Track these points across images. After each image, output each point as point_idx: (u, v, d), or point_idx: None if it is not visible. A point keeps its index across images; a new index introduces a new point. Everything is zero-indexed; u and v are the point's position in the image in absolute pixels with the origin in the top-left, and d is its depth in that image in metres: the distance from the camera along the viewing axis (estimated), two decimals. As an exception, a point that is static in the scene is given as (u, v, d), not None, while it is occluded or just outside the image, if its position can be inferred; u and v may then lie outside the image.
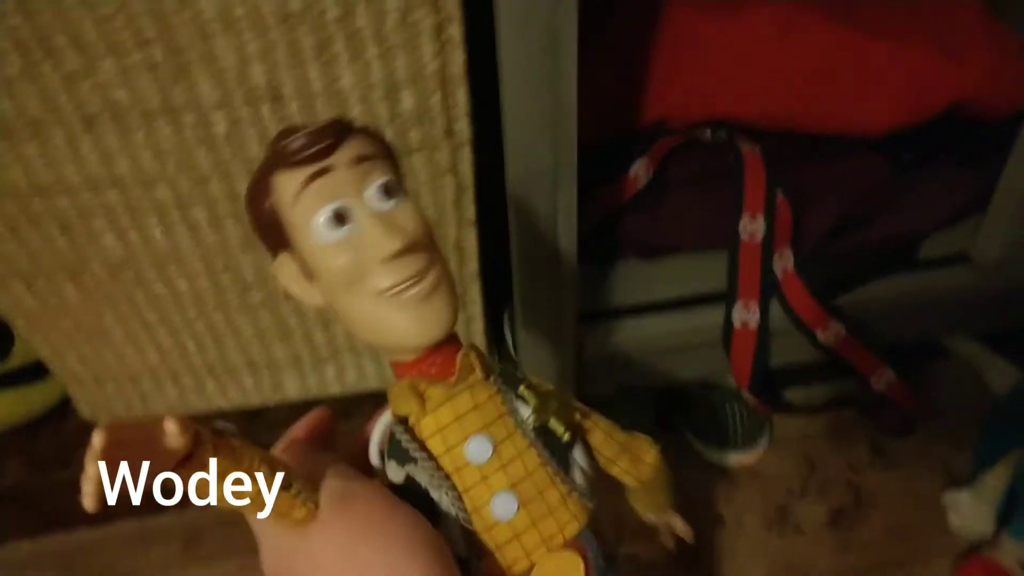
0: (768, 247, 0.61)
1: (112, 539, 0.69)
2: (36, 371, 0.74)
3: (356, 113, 0.54)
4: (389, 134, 0.53)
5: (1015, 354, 0.74)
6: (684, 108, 0.62)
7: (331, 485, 0.29)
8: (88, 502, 0.21)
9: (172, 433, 0.22)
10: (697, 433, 0.70)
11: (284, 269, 0.31)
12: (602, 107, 0.62)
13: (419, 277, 0.30)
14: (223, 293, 0.63)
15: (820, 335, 0.62)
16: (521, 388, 0.32)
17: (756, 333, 0.60)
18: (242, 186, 0.57)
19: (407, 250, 0.29)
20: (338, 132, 0.29)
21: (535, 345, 0.58)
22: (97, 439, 0.21)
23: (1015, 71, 0.61)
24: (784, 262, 0.61)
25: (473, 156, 0.56)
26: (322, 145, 0.28)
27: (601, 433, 0.34)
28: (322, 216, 0.29)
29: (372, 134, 0.31)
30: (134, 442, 0.22)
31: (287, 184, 0.29)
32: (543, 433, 0.31)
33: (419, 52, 0.52)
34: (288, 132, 0.29)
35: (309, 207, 0.29)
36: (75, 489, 0.21)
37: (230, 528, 0.67)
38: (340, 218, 0.29)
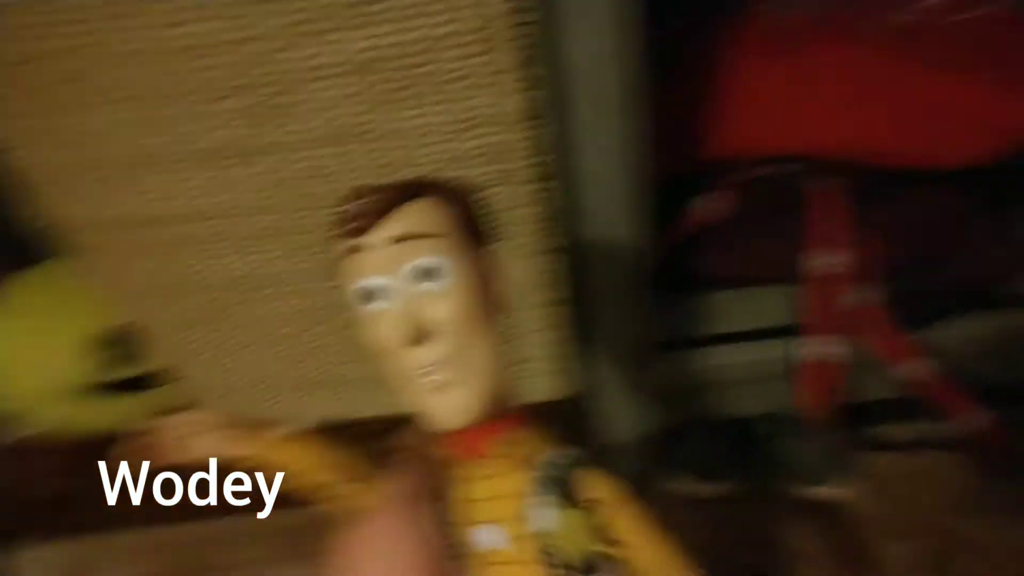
0: (843, 281, 0.60)
1: (214, 535, 0.74)
2: (147, 381, 0.80)
3: (437, 150, 0.57)
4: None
5: None
6: (758, 144, 0.62)
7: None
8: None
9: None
10: (771, 467, 0.69)
11: None
12: (678, 141, 0.64)
13: (433, 369, 0.30)
14: (320, 312, 0.68)
15: (903, 371, 0.60)
16: (556, 496, 0.30)
17: (833, 367, 0.60)
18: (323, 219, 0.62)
19: (421, 340, 0.29)
20: (382, 209, 0.29)
21: (607, 378, 0.59)
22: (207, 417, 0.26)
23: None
24: (862, 296, 0.60)
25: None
26: (359, 224, 0.29)
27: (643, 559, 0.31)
28: (353, 288, 0.30)
29: (442, 206, 0.30)
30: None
31: (337, 248, 0.30)
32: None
33: (499, 90, 0.55)
34: (352, 195, 0.30)
35: (346, 277, 0.31)
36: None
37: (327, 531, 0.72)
38: (368, 295, 0.30)
